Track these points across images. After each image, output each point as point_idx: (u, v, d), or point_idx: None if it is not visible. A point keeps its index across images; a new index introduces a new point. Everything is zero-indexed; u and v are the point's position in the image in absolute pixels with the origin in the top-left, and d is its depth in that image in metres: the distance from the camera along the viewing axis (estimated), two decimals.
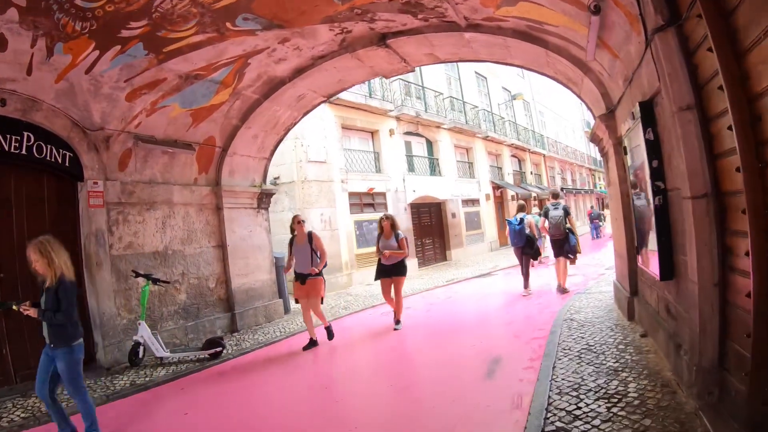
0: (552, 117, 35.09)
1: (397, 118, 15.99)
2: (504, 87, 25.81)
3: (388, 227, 7.53)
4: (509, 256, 17.16)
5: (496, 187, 21.92)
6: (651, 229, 4.02)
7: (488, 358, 5.29)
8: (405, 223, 15.32)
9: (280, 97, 8.55)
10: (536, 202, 22.54)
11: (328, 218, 13.01)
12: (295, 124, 9.92)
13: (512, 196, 22.98)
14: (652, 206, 3.76)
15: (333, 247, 12.93)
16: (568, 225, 8.65)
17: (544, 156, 29.97)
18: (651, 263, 4.25)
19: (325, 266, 7.06)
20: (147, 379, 5.94)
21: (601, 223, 22.42)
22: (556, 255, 8.94)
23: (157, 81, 6.67)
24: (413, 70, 8.18)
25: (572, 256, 8.86)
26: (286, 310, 10.18)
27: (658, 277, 3.84)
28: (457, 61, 7.73)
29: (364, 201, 14.33)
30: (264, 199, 10.05)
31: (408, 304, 9.95)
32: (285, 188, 12.97)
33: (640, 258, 4.93)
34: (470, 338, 6.44)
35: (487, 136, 21.34)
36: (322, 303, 7.08)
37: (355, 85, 9.50)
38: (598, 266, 12.35)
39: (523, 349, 5.48)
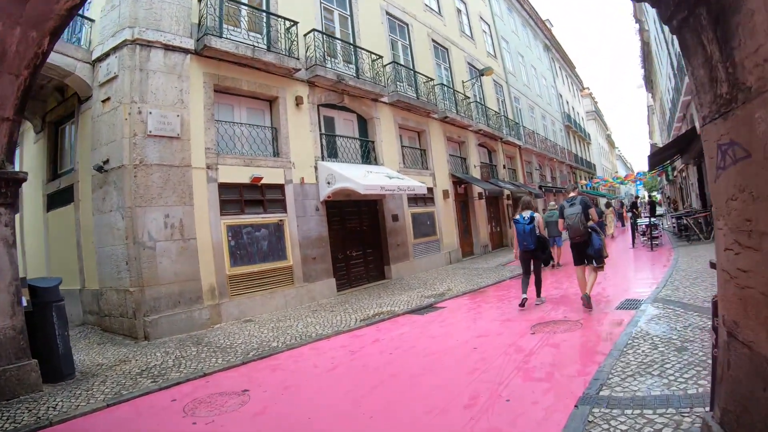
0: (529, 105, 30.91)
1: (310, 83, 11.52)
2: (470, 63, 21.49)
3: None
4: (472, 273, 12.87)
5: (458, 181, 17.49)
6: None
7: None
8: (315, 228, 10.79)
9: None
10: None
11: (178, 222, 8.50)
12: (43, 55, 5.50)
13: (479, 194, 18.63)
14: None
15: (185, 266, 8.46)
16: (590, 223, 7.06)
17: (519, 148, 25.74)
18: None
19: None
20: None
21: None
22: (577, 262, 7.24)
23: None
24: None
25: (598, 264, 7.13)
26: (53, 376, 5.88)
27: None
28: None
29: (246, 197, 9.80)
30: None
31: (217, 386, 5.44)
32: (114, 176, 8.50)
33: None
34: None
35: (446, 117, 16.92)
36: None
37: None
38: (600, 299, 7.95)
39: None
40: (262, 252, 9.74)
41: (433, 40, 18.47)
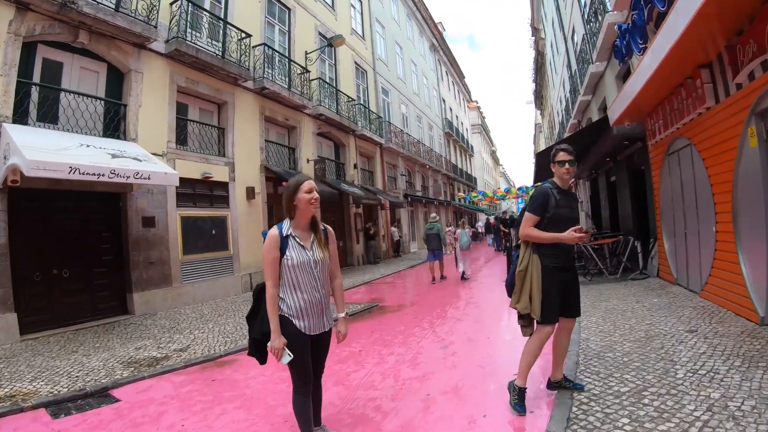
0: (401, 101, 28.99)
1: (21, 5, 7.99)
2: (323, 34, 18.76)
3: None
4: None
5: (276, 178, 14.42)
6: None
7: None
8: None
9: None
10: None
11: None
12: None
13: None
14: None
15: None
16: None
17: (381, 147, 23.51)
18: None
19: None
20: None
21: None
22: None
23: None
24: None
25: None
26: None
27: None
28: None
29: None
30: None
31: None
32: None
33: None
34: None
35: (265, 89, 13.83)
36: None
37: None
38: None
39: None
40: None
41: None
